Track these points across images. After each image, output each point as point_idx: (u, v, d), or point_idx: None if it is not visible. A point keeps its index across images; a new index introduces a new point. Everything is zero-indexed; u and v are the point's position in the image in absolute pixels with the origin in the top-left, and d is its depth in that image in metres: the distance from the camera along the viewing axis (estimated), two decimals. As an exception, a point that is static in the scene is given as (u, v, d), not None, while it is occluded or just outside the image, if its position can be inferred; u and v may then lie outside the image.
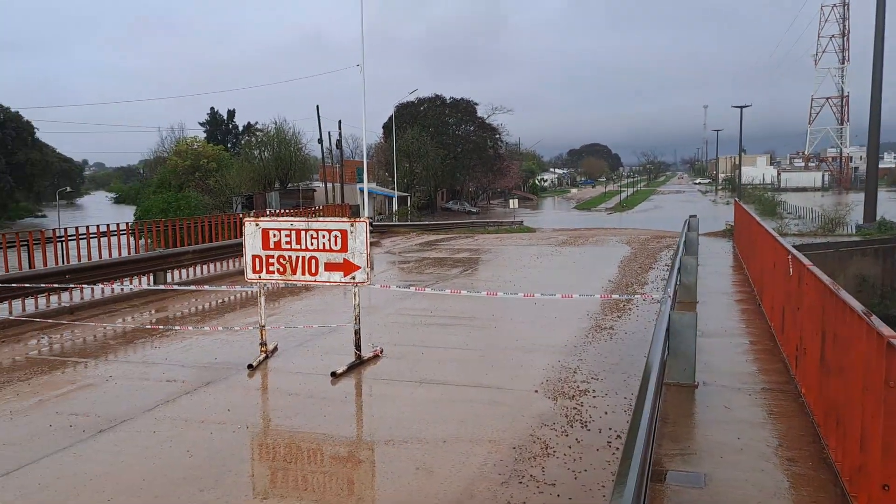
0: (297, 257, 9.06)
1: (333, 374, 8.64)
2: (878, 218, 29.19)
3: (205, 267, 18.76)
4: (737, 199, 32.97)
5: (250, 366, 9.10)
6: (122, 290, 14.93)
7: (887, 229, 27.59)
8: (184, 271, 17.84)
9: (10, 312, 12.65)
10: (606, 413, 7.17)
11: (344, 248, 8.89)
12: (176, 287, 15.38)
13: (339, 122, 66.40)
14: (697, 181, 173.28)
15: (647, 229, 33.07)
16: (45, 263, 14.68)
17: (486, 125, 75.14)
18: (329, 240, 8.93)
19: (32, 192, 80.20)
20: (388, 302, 13.65)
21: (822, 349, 6.32)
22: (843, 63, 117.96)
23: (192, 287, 15.26)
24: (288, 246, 9.09)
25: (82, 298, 14.31)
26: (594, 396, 7.72)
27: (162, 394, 8.07)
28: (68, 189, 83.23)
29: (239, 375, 8.82)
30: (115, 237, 17.23)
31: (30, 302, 13.48)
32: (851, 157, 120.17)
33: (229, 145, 79.67)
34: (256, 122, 76.94)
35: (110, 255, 17.06)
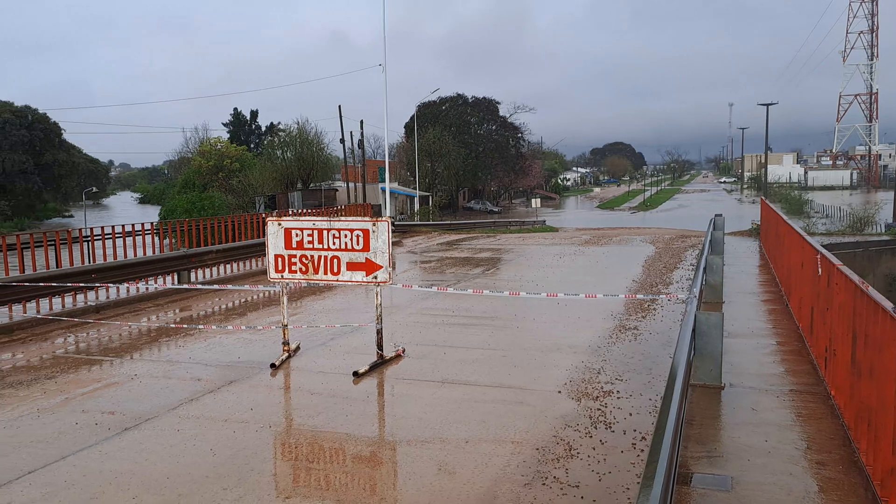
0: (320, 257, 9.08)
1: (356, 374, 8.64)
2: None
3: (228, 266, 18.91)
4: (763, 198, 32.54)
5: (273, 365, 9.13)
6: (146, 289, 15.09)
7: (917, 228, 27.09)
8: (207, 271, 17.99)
9: (38, 311, 12.85)
10: (631, 414, 7.09)
11: (366, 248, 8.88)
12: (199, 286, 15.50)
13: (361, 121, 66.48)
14: (722, 180, 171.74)
15: (671, 228, 32.81)
16: (71, 263, 14.87)
17: (508, 124, 75.09)
18: (351, 239, 8.93)
19: (60, 193, 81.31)
20: (410, 301, 13.64)
21: (852, 350, 6.18)
22: (871, 59, 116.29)
23: (216, 286, 15.38)
24: (310, 245, 9.10)
25: (108, 297, 14.50)
26: (618, 398, 7.64)
27: (186, 392, 8.12)
28: (94, 189, 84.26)
29: (262, 374, 8.86)
30: (140, 237, 17.43)
31: (57, 301, 13.71)
32: (880, 155, 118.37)
33: (252, 145, 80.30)
34: (279, 123, 77.56)
35: (135, 254, 17.28)
